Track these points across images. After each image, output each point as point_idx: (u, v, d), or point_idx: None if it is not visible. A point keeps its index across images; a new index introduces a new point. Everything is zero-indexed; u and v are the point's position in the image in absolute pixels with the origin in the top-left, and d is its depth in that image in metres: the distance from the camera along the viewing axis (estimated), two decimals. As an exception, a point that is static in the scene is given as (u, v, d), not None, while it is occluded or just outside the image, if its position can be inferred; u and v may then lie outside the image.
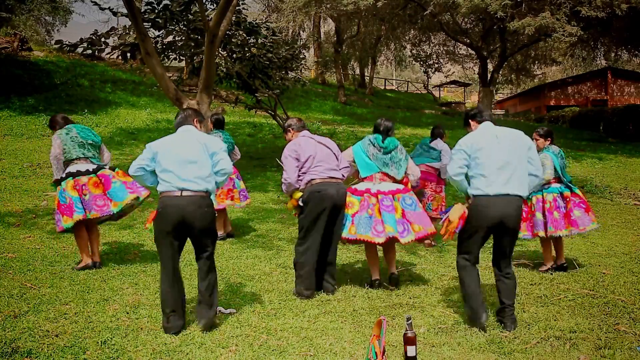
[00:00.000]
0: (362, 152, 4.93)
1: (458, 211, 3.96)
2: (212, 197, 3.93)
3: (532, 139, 5.35)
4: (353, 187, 4.95)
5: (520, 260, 5.83)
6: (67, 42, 9.94)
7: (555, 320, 3.99)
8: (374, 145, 4.91)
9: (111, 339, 3.59)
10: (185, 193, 3.74)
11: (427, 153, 6.55)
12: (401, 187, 4.94)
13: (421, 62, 33.81)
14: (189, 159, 3.81)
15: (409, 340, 3.25)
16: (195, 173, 3.80)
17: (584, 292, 4.65)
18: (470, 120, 4.16)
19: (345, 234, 4.75)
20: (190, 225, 3.76)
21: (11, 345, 3.43)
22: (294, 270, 4.73)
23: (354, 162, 4.97)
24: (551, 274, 5.28)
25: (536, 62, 26.61)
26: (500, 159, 3.85)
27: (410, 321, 3.27)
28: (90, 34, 10.02)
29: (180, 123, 4.04)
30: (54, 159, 5.29)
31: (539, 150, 5.45)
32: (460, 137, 4.09)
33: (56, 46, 11.03)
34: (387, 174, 4.90)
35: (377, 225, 4.70)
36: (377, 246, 4.93)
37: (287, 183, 4.71)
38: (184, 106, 9.16)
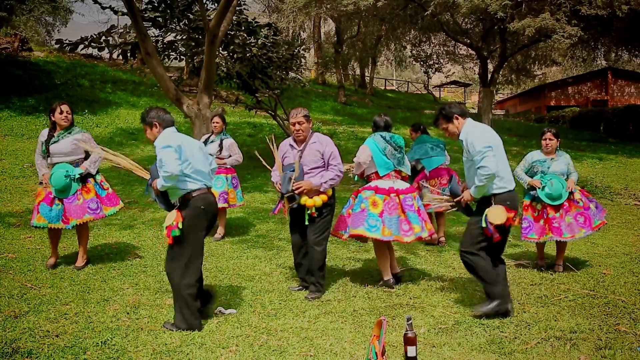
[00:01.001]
0: (379, 150, 4.85)
1: (502, 212, 3.96)
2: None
3: (546, 140, 5.38)
4: (373, 184, 4.86)
5: (521, 260, 5.82)
6: (67, 41, 9.94)
7: (555, 320, 3.99)
8: (390, 144, 4.88)
9: (111, 339, 3.59)
10: (210, 190, 4.05)
11: (444, 153, 6.56)
12: (408, 185, 4.99)
13: (421, 63, 33.83)
14: (203, 159, 4.05)
15: (409, 341, 3.25)
16: (208, 171, 4.07)
17: (585, 293, 4.65)
18: (458, 117, 4.11)
19: (378, 235, 4.67)
20: (215, 219, 4.06)
21: (11, 346, 3.43)
22: (320, 271, 4.63)
23: (371, 160, 4.88)
24: (551, 274, 5.28)
25: (536, 62, 26.58)
26: (504, 155, 4.09)
27: (410, 321, 3.26)
28: (92, 35, 10.04)
29: (172, 123, 4.01)
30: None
31: (554, 150, 5.44)
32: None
33: (56, 45, 11.01)
34: (399, 172, 4.92)
35: (403, 225, 4.72)
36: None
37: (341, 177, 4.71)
38: (184, 106, 9.17)
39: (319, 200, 4.53)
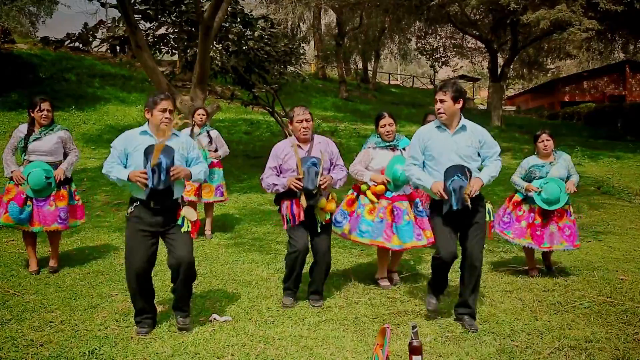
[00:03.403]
0: None
1: None
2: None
3: (543, 142, 5.38)
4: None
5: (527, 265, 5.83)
6: (53, 38, 9.97)
7: (569, 329, 3.99)
8: None
9: (99, 348, 3.59)
10: None
11: None
12: None
13: (427, 56, 33.88)
14: None
15: (414, 350, 3.25)
16: None
17: (601, 299, 4.65)
18: (461, 102, 4.13)
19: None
20: None
21: (-7, 355, 3.44)
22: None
23: None
24: (565, 280, 5.28)
25: (549, 55, 26.61)
26: None
27: (415, 329, 3.26)
28: (81, 29, 10.06)
29: None
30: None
31: (551, 152, 5.44)
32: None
33: (42, 43, 11.04)
34: None
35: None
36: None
37: None
38: (177, 102, 9.18)
39: (334, 205, 4.57)
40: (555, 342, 3.74)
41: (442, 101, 4.00)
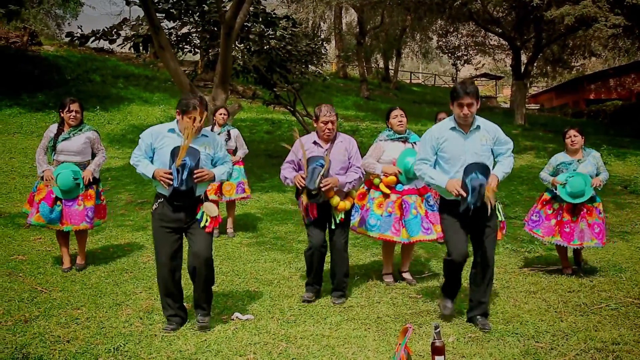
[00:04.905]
0: None
1: None
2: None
3: (571, 137, 5.34)
4: None
5: (557, 265, 5.74)
6: (77, 34, 10.13)
7: (596, 330, 3.92)
8: None
9: (124, 345, 3.64)
10: None
11: None
12: None
13: (449, 54, 33.57)
14: None
15: (437, 350, 3.23)
16: None
17: (628, 301, 4.57)
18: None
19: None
20: None
21: (22, 351, 3.50)
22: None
23: None
24: (591, 281, 5.20)
25: (574, 53, 26.12)
26: None
27: (438, 329, 3.24)
28: (104, 28, 10.21)
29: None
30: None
31: (580, 149, 5.39)
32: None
33: (67, 39, 11.21)
34: None
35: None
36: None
37: None
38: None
39: (349, 204, 4.57)
40: (581, 344, 3.68)
41: (470, 105, 3.87)
